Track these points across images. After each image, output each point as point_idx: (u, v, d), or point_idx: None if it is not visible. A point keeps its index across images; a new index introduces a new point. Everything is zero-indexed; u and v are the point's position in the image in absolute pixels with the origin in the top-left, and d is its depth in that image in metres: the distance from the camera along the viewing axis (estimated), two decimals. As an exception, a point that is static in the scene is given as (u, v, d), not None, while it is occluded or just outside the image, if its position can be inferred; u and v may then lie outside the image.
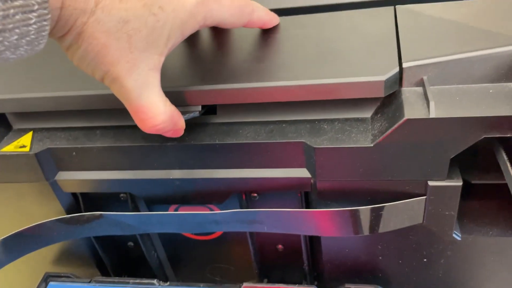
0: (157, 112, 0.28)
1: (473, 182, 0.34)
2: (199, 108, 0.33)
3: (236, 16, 0.32)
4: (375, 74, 0.29)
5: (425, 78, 0.30)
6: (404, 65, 0.30)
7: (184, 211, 0.39)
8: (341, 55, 0.32)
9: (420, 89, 0.30)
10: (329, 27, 0.35)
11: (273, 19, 0.35)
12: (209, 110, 0.35)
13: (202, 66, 0.34)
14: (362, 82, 0.29)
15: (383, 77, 0.29)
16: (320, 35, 0.34)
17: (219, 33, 0.36)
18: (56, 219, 0.36)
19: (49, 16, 0.23)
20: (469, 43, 0.30)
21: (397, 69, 0.29)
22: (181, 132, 0.32)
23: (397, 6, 0.36)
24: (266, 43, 0.35)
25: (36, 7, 0.22)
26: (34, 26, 0.22)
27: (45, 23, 0.23)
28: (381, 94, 0.30)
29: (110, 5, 0.25)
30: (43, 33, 0.23)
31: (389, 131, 0.29)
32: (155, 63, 0.27)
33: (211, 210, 0.39)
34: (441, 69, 0.30)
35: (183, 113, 0.32)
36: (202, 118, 0.34)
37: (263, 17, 0.34)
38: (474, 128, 0.28)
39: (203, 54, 0.35)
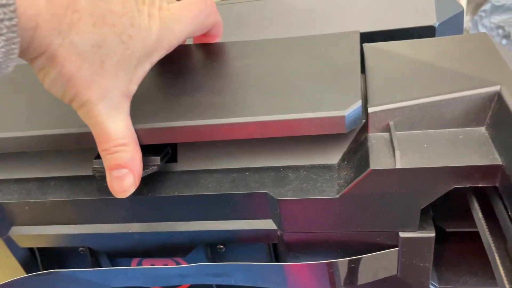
0: (121, 136, 0.28)
1: (448, 230, 0.32)
2: (158, 161, 0.31)
3: (201, 21, 0.32)
4: (336, 108, 0.27)
5: (391, 123, 0.29)
6: (370, 110, 0.28)
7: (147, 263, 0.37)
8: (302, 87, 0.30)
9: (387, 135, 0.29)
10: (290, 53, 0.34)
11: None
12: (169, 157, 0.33)
13: (152, 102, 0.32)
14: (322, 117, 0.27)
15: (344, 112, 0.27)
16: (280, 63, 0.33)
17: (169, 66, 0.35)
18: (7, 283, 0.34)
19: (18, 39, 0.22)
20: (436, 86, 0.29)
21: (359, 103, 0.28)
22: (134, 186, 0.29)
23: (364, 45, 0.35)
24: (220, 73, 0.33)
25: (4, 30, 0.22)
26: (2, 49, 0.22)
27: (13, 46, 0.22)
28: (343, 130, 0.27)
29: (84, 28, 0.25)
30: (12, 56, 0.23)
31: (354, 182, 0.27)
32: (126, 90, 0.28)
33: (176, 262, 0.37)
34: (408, 114, 0.28)
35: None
36: (161, 166, 0.32)
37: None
38: (443, 179, 0.26)
39: (153, 90, 0.33)
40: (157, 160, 0.31)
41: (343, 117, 0.27)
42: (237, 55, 0.35)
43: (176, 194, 0.31)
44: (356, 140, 0.30)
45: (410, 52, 0.33)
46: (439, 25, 0.42)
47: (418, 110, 0.28)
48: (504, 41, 1.44)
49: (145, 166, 0.30)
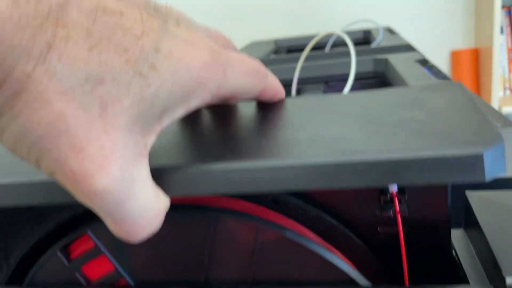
0: (151, 218, 0.19)
1: None
2: None
3: (253, 80, 0.23)
4: (467, 145, 0.18)
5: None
6: (509, 280, 0.20)
7: None
8: (409, 125, 0.21)
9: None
10: (379, 100, 0.25)
11: (281, 88, 0.27)
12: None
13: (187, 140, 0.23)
14: (446, 157, 0.18)
15: (482, 149, 0.18)
16: (373, 108, 0.24)
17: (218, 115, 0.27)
18: None
19: None
20: None
21: (501, 140, 0.18)
22: None
23: (467, 192, 0.28)
24: (291, 118, 0.25)
25: None
26: None
27: None
28: (482, 177, 0.18)
29: (74, 52, 0.16)
30: None
31: None
32: (142, 147, 0.18)
33: None
34: None
35: None
36: None
37: (276, 83, 0.26)
38: None
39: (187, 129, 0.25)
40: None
41: (480, 157, 0.18)
42: (308, 106, 0.26)
43: None
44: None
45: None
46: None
47: None
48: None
49: None
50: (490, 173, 0.18)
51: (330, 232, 0.25)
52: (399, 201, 0.23)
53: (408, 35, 1.54)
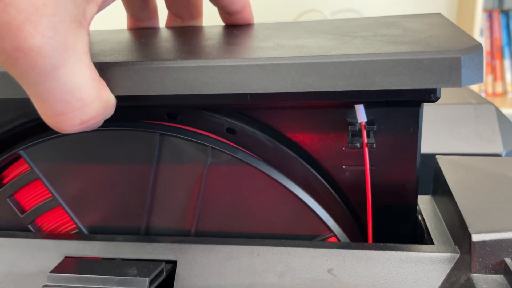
0: (87, 100, 0.16)
1: None
2: (146, 285, 0.20)
3: None
4: (445, 49, 0.17)
5: (509, 261, 0.19)
6: (475, 237, 0.20)
7: None
8: (378, 38, 0.19)
9: (502, 278, 0.19)
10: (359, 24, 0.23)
11: (249, 4, 0.25)
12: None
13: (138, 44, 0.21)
14: (419, 59, 0.16)
15: (459, 53, 0.16)
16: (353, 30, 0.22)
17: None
18: None
19: None
20: None
21: (480, 47, 0.17)
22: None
23: (438, 156, 0.27)
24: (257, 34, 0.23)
25: None
26: None
27: None
28: (458, 83, 0.17)
29: None
30: None
31: None
32: (81, 15, 0.16)
33: None
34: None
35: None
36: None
37: None
38: None
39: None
40: (144, 283, 0.20)
41: (457, 60, 0.16)
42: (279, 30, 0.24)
43: None
44: (450, 280, 0.20)
45: (495, 169, 0.25)
46: (505, 154, 0.37)
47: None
48: None
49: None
50: (467, 80, 0.16)
51: (289, 167, 0.23)
52: (368, 134, 0.21)
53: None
